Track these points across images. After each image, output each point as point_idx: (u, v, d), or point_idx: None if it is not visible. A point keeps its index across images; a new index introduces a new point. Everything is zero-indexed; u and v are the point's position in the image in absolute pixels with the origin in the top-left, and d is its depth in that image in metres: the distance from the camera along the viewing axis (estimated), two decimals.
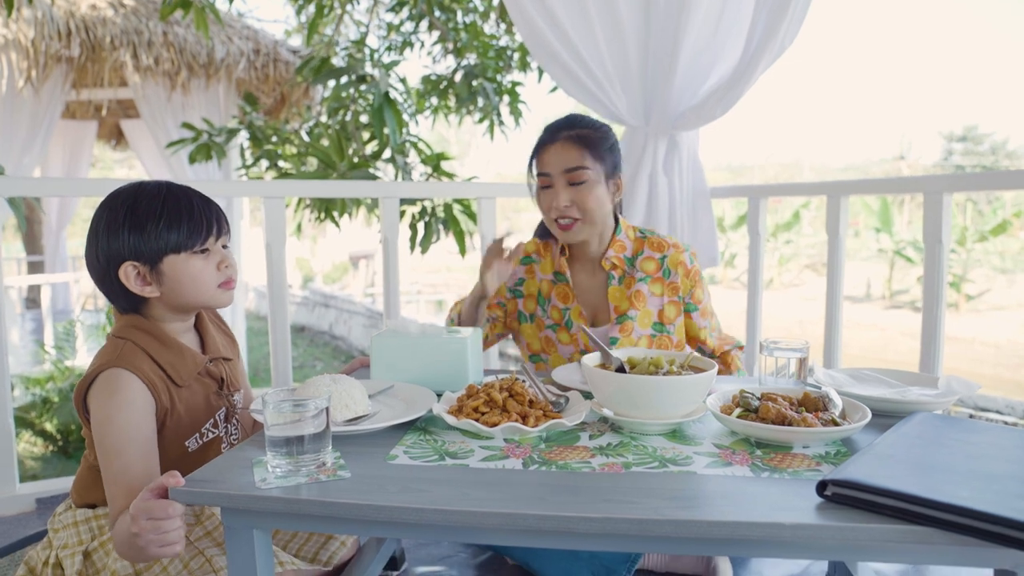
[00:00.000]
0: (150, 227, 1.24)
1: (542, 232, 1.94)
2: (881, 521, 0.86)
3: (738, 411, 1.20)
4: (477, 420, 1.20)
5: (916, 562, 0.90)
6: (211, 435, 1.37)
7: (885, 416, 1.27)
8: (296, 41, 6.94)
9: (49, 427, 4.52)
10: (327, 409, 1.05)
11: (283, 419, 1.03)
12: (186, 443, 1.33)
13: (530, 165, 1.82)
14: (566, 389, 1.45)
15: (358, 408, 1.27)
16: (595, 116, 2.87)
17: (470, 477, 1.03)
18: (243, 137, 5.12)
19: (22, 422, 4.59)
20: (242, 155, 5.22)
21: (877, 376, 1.49)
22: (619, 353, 1.36)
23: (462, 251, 3.87)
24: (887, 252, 15.97)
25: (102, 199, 1.30)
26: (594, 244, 1.83)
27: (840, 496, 0.90)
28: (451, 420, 1.20)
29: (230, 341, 1.48)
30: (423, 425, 1.28)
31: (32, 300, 7.43)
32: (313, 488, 1.00)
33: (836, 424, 1.14)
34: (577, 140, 1.74)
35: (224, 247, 1.33)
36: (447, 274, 19.79)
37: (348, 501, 0.95)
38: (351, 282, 18.72)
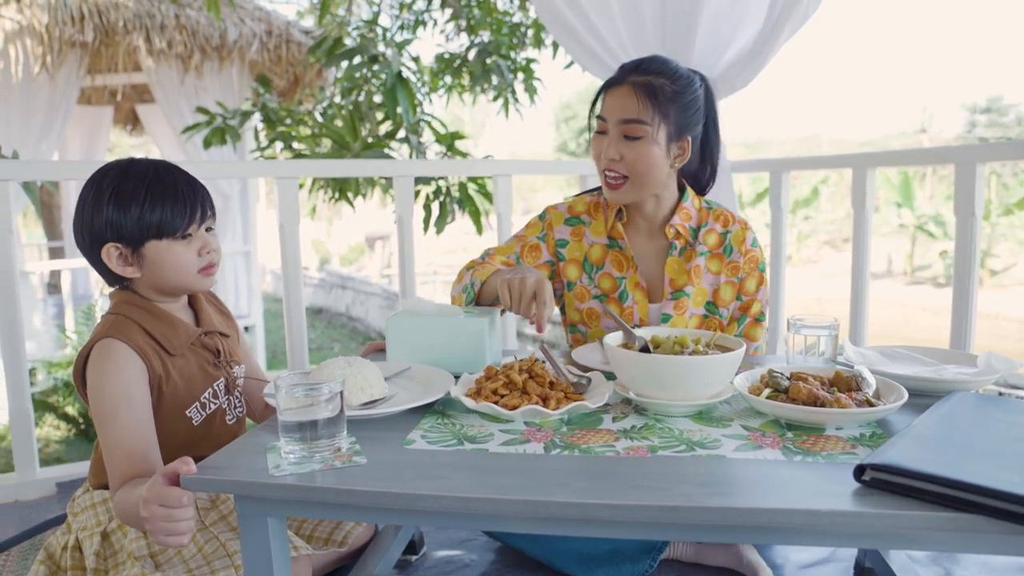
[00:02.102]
0: (133, 211, 1.25)
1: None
2: (923, 508, 0.81)
3: (767, 391, 1.16)
4: (496, 403, 1.16)
5: (960, 551, 0.85)
6: (213, 406, 1.38)
7: (921, 396, 1.22)
8: (309, 22, 6.88)
9: (71, 411, 4.57)
10: (341, 393, 1.02)
11: (296, 403, 1.00)
12: (187, 413, 1.33)
13: (593, 103, 1.65)
14: (587, 370, 1.41)
15: (374, 391, 1.24)
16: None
17: (490, 462, 1.00)
18: (257, 120, 5.09)
19: (45, 406, 4.63)
20: (256, 138, 5.19)
21: (909, 354, 1.44)
22: (642, 332, 1.31)
23: (479, 230, 3.83)
24: (908, 227, 15.73)
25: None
26: (650, 207, 1.67)
27: (879, 481, 0.85)
28: (469, 403, 1.17)
29: (227, 320, 1.49)
30: (441, 408, 1.25)
31: (53, 285, 7.49)
32: (328, 475, 0.96)
33: (871, 404, 1.10)
34: (644, 89, 1.53)
35: (209, 229, 1.34)
36: (463, 255, 19.72)
37: (364, 488, 0.92)
38: (368, 263, 18.76)
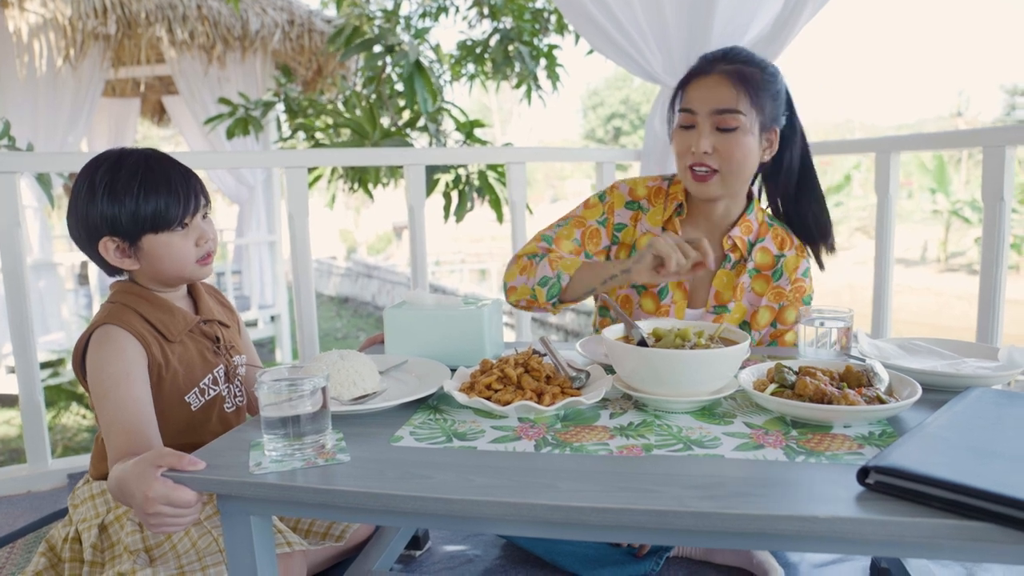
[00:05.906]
0: (128, 205, 1.24)
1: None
2: (931, 515, 0.76)
3: (772, 387, 1.10)
4: (489, 398, 1.12)
5: (970, 560, 0.79)
6: (212, 392, 1.38)
7: (938, 392, 1.16)
8: (331, 11, 6.85)
9: None
10: (324, 388, 0.99)
11: (278, 398, 0.97)
12: (187, 399, 1.33)
13: (675, 97, 1.58)
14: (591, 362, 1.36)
15: (367, 385, 1.21)
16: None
17: (476, 461, 0.96)
18: (280, 110, 5.10)
19: (72, 395, 4.71)
20: (278, 128, 5.20)
21: (929, 347, 1.37)
22: (644, 324, 1.26)
23: (499, 218, 3.79)
24: (943, 213, 15.36)
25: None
26: (719, 211, 1.60)
27: (884, 485, 0.80)
28: (461, 398, 1.13)
29: (227, 311, 1.49)
30: (435, 403, 1.21)
31: (83, 276, 7.61)
32: (309, 473, 0.93)
33: (881, 401, 1.04)
34: (736, 77, 1.47)
35: (205, 216, 1.34)
36: (490, 243, 19.71)
37: (343, 488, 0.89)
38: (395, 252, 18.84)
